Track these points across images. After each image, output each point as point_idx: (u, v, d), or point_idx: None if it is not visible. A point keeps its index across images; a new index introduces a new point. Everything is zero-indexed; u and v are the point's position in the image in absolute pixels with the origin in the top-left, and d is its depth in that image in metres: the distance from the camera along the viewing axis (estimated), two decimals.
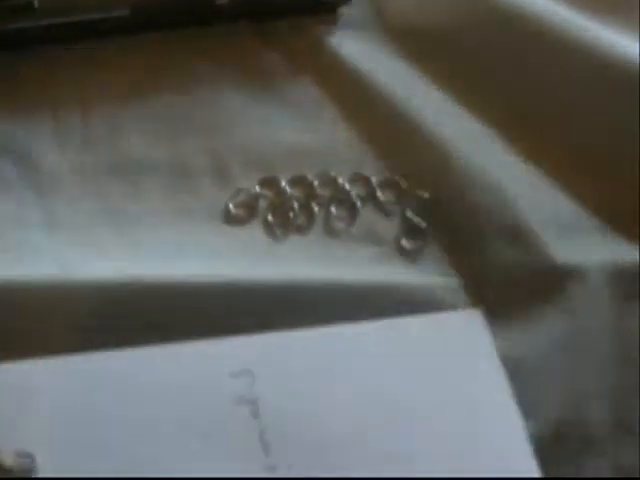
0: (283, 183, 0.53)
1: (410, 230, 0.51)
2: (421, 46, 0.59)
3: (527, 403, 0.43)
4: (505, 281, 0.48)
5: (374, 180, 0.53)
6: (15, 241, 0.50)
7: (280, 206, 0.52)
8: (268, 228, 0.51)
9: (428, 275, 0.49)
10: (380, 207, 0.52)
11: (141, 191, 0.53)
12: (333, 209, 0.52)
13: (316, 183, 0.53)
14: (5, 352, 0.43)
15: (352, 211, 0.52)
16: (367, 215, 0.52)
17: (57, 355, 0.44)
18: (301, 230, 0.51)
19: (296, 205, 0.52)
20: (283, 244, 0.51)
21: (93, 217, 0.51)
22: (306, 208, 0.52)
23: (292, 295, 0.46)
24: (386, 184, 0.53)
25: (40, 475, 0.41)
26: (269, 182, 0.53)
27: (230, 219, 0.51)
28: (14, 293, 0.46)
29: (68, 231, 0.51)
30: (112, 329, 0.45)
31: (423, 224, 0.51)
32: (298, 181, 0.53)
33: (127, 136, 0.55)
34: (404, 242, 0.50)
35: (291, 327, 0.45)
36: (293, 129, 0.55)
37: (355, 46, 0.59)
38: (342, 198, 0.52)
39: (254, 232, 0.51)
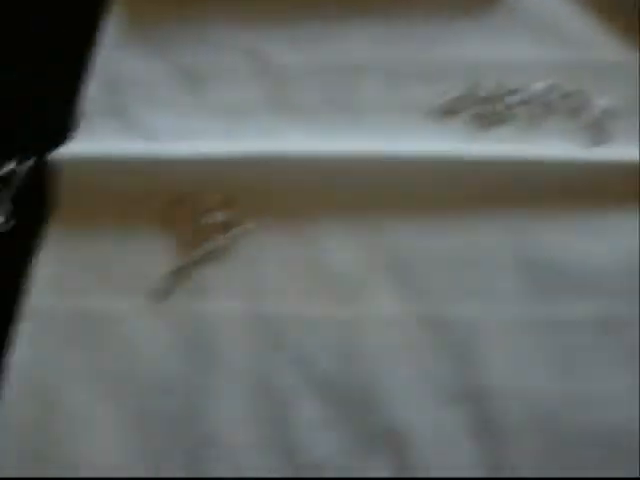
0: (487, 87, 0.62)
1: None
2: None
3: None
4: None
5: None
6: (246, 124, 0.62)
7: (483, 104, 0.62)
8: (472, 121, 0.61)
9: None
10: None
11: (360, 87, 0.64)
12: (530, 108, 0.61)
13: (513, 88, 0.62)
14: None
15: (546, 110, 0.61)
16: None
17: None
18: (502, 123, 0.60)
19: (501, 102, 0.61)
20: (489, 133, 0.60)
21: (318, 105, 0.63)
22: (508, 106, 0.61)
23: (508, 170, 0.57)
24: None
25: None
26: (473, 86, 0.63)
27: (439, 112, 0.62)
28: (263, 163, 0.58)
29: (294, 115, 0.62)
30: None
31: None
32: (499, 87, 0.62)
33: (349, 39, 0.66)
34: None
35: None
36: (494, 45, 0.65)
37: None
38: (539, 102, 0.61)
39: (462, 124, 0.61)
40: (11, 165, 0.61)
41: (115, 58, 0.66)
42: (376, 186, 0.58)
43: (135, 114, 0.63)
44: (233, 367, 0.53)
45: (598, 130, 0.59)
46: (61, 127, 0.62)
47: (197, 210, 0.58)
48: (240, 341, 0.53)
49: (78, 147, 0.60)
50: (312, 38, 0.66)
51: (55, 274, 0.56)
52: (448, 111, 0.61)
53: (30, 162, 0.61)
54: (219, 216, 0.58)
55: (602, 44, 0.64)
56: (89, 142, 0.61)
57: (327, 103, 0.63)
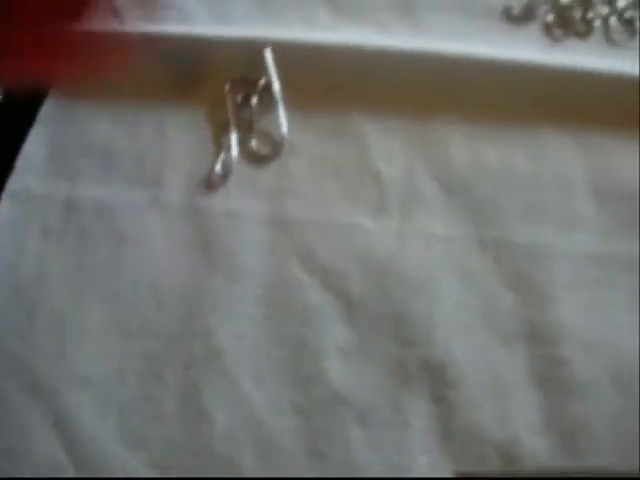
0: None
1: None
2: None
3: None
4: None
5: None
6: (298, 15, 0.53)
7: (560, 12, 0.53)
8: (548, 29, 0.52)
9: None
10: None
11: None
12: (612, 22, 0.52)
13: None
14: None
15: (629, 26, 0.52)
16: None
17: None
18: (580, 35, 0.52)
19: (579, 11, 0.52)
20: (562, 45, 0.51)
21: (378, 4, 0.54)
22: (585, 19, 0.52)
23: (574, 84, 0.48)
24: None
25: None
26: None
27: (511, 19, 0.53)
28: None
29: (350, 10, 0.54)
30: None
31: None
32: None
33: None
34: None
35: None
36: None
37: None
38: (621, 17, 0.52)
39: (533, 32, 0.52)
40: None
41: None
42: (436, 89, 0.49)
43: None
44: (248, 276, 0.44)
45: None
46: None
47: (235, 96, 0.50)
48: (258, 247, 0.45)
49: None
50: None
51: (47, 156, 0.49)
52: (522, 16, 0.52)
53: None
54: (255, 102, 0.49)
55: None
56: None
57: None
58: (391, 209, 0.46)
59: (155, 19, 0.53)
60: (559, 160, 0.47)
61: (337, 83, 0.50)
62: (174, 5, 0.54)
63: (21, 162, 0.49)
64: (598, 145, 0.47)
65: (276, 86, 0.49)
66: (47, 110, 0.51)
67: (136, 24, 0.52)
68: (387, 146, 0.48)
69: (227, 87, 0.50)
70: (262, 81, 0.49)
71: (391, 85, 0.49)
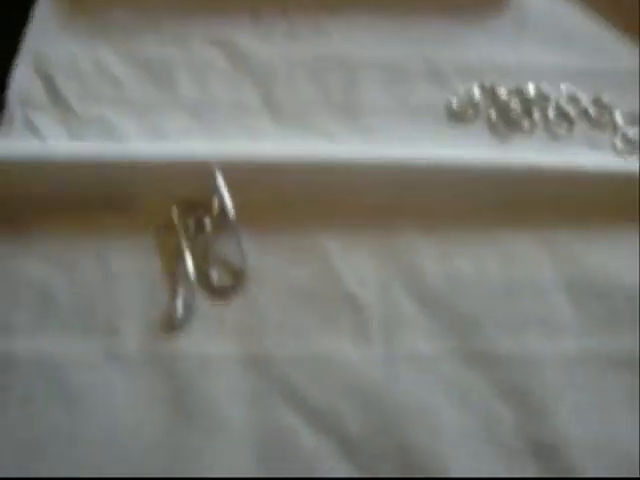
0: (501, 91, 0.54)
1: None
2: None
3: None
4: None
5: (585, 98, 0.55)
6: (239, 125, 0.51)
7: (502, 110, 0.53)
8: (492, 127, 0.52)
9: None
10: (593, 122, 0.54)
11: (359, 86, 0.53)
12: (551, 116, 0.53)
13: (532, 94, 0.54)
14: None
15: (566, 118, 0.54)
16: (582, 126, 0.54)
17: None
18: (525, 132, 0.52)
19: (518, 108, 0.53)
20: (508, 143, 0.52)
21: (313, 106, 0.52)
22: (526, 113, 0.53)
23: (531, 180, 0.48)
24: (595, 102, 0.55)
25: None
26: (486, 89, 0.54)
27: (453, 116, 0.53)
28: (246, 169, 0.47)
29: (290, 118, 0.51)
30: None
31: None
32: (514, 92, 0.54)
33: (330, 35, 0.56)
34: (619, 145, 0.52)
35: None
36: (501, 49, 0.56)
37: None
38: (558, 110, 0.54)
39: (478, 130, 0.52)
40: None
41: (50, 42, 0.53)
42: (392, 197, 0.47)
43: (85, 108, 0.50)
44: (232, 428, 0.40)
45: (624, 139, 0.52)
46: None
47: (185, 220, 0.46)
48: (238, 394, 0.41)
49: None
50: (287, 31, 0.55)
51: None
52: (463, 115, 0.52)
53: None
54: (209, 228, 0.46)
55: (613, 50, 0.56)
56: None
57: (320, 104, 0.52)
58: (372, 333, 0.43)
59: (78, 136, 0.49)
60: (529, 263, 0.47)
61: (291, 199, 0.47)
62: (98, 118, 0.50)
63: None
64: (565, 243, 0.47)
65: (231, 210, 0.45)
66: None
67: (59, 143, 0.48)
68: (357, 266, 0.46)
69: (175, 212, 0.46)
70: (215, 204, 0.45)
71: (348, 196, 0.47)
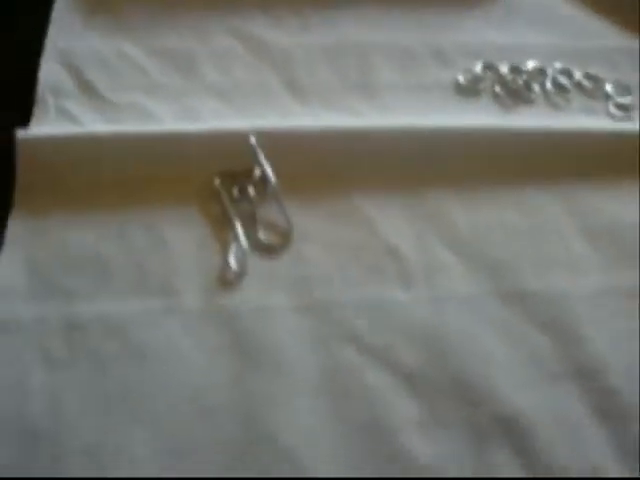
0: (502, 68, 0.59)
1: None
2: None
3: None
4: None
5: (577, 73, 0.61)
6: (267, 105, 0.54)
7: (504, 84, 0.59)
8: (498, 99, 0.58)
9: None
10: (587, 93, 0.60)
11: (373, 68, 0.58)
12: (549, 87, 0.59)
13: (530, 70, 0.60)
14: None
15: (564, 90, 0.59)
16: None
17: None
18: (528, 102, 0.58)
19: (520, 82, 0.59)
20: (514, 113, 0.57)
21: (333, 86, 0.56)
22: (527, 87, 0.59)
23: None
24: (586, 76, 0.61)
25: None
26: (488, 66, 0.60)
27: (461, 92, 0.58)
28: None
29: (314, 98, 0.55)
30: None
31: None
32: (514, 68, 0.60)
33: (340, 26, 0.61)
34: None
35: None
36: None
37: None
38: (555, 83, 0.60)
39: (485, 104, 0.57)
40: None
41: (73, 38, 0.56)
42: (419, 162, 0.51)
43: (117, 96, 0.52)
44: (297, 368, 0.42)
45: (617, 106, 0.58)
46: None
47: (229, 189, 0.48)
48: (298, 338, 0.43)
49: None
50: (300, 24, 0.60)
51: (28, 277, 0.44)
52: (470, 90, 0.57)
53: None
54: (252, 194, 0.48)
55: (599, 30, 0.63)
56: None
57: (339, 85, 0.56)
58: (416, 279, 0.47)
59: (115, 120, 0.52)
60: (548, 213, 0.51)
61: (327, 166, 0.50)
62: (132, 104, 0.52)
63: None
64: (577, 194, 0.52)
65: (271, 176, 0.48)
66: (15, 230, 0.46)
67: (99, 126, 0.50)
68: (394, 223, 0.49)
69: (217, 182, 0.49)
70: (256, 173, 0.48)
71: (380, 161, 0.51)
